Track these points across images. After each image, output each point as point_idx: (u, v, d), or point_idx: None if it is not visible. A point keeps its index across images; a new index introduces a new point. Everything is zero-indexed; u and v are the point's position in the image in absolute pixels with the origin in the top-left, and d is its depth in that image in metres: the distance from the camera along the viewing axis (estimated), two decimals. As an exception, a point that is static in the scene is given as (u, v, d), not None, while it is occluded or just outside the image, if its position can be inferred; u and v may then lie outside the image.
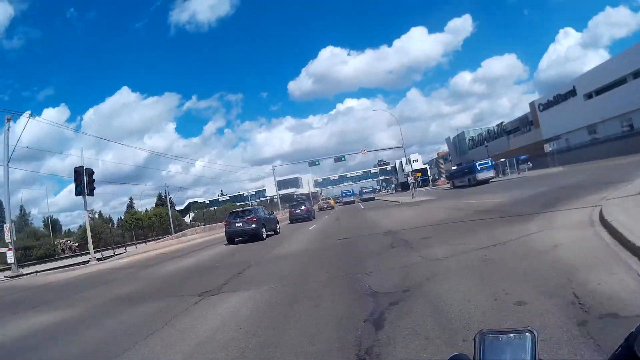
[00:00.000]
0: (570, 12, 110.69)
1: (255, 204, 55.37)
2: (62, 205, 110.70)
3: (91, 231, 18.66)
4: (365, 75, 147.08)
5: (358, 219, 18.07)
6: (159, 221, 41.29)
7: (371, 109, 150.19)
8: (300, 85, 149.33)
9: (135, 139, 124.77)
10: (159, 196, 76.09)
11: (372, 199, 52.68)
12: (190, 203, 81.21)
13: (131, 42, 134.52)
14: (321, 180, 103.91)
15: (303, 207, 23.49)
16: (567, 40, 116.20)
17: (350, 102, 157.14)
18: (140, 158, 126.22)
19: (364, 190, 59.03)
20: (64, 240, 35.60)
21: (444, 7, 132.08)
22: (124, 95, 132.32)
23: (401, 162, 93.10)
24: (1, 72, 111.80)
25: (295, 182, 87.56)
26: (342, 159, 24.09)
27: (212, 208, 66.37)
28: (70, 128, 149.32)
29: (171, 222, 37.95)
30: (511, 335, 0.61)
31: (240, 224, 14.72)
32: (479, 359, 0.60)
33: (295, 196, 67.50)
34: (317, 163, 23.32)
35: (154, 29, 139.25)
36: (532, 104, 47.27)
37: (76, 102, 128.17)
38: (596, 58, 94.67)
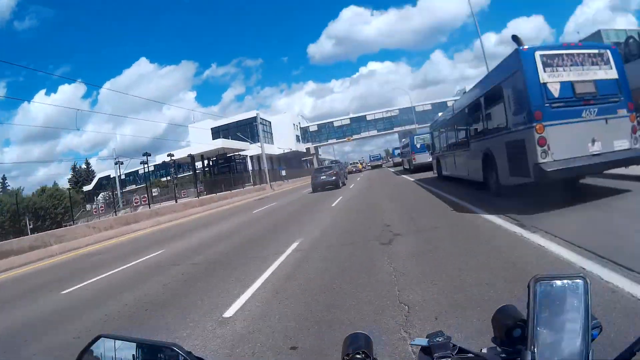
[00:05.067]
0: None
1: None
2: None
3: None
4: (389, 37, 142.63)
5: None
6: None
7: (395, 72, 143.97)
8: (321, 48, 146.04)
9: (154, 110, 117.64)
10: (74, 168, 57.29)
11: None
12: (100, 179, 54.96)
13: (146, 10, 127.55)
14: (315, 127, 57.90)
15: None
16: (595, 2, 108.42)
17: (373, 65, 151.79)
18: (159, 129, 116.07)
19: None
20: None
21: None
22: (142, 66, 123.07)
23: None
24: (15, 53, 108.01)
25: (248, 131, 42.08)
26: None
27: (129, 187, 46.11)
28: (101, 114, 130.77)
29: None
30: (564, 281, 0.60)
31: (324, 176, 18.61)
32: (533, 306, 0.59)
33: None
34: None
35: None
36: None
37: (93, 77, 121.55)
38: (624, 22, 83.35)
